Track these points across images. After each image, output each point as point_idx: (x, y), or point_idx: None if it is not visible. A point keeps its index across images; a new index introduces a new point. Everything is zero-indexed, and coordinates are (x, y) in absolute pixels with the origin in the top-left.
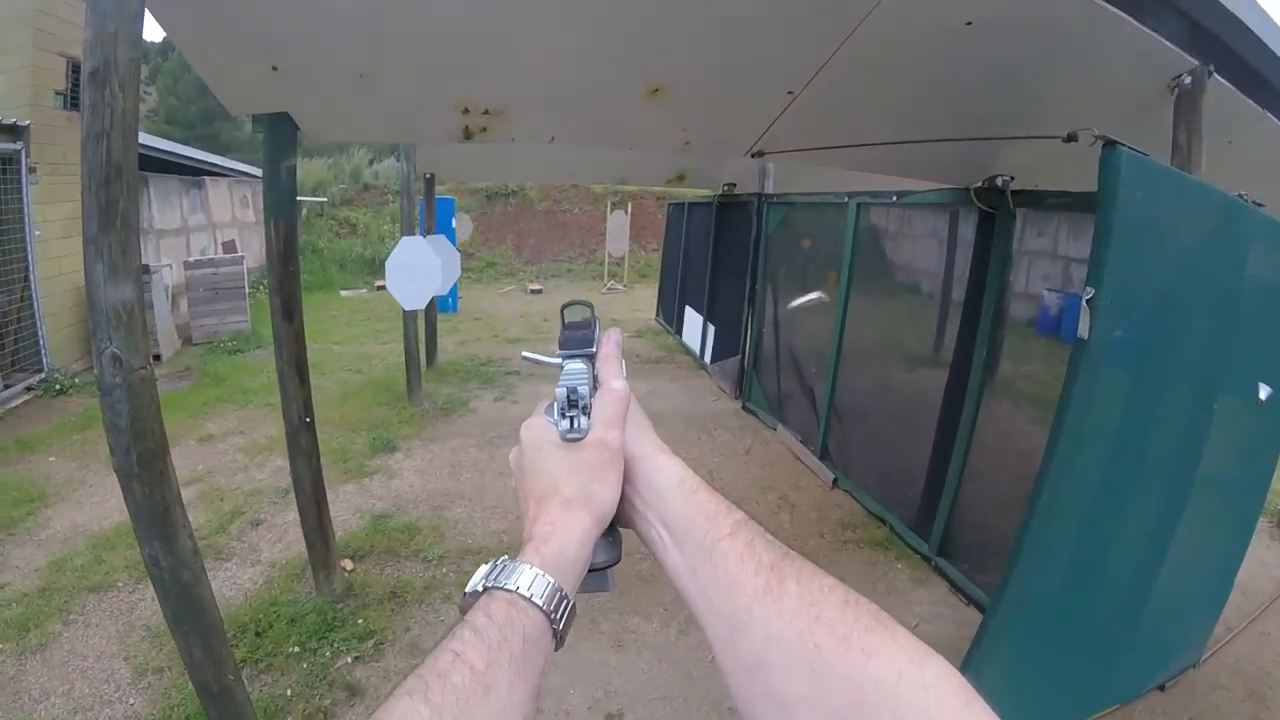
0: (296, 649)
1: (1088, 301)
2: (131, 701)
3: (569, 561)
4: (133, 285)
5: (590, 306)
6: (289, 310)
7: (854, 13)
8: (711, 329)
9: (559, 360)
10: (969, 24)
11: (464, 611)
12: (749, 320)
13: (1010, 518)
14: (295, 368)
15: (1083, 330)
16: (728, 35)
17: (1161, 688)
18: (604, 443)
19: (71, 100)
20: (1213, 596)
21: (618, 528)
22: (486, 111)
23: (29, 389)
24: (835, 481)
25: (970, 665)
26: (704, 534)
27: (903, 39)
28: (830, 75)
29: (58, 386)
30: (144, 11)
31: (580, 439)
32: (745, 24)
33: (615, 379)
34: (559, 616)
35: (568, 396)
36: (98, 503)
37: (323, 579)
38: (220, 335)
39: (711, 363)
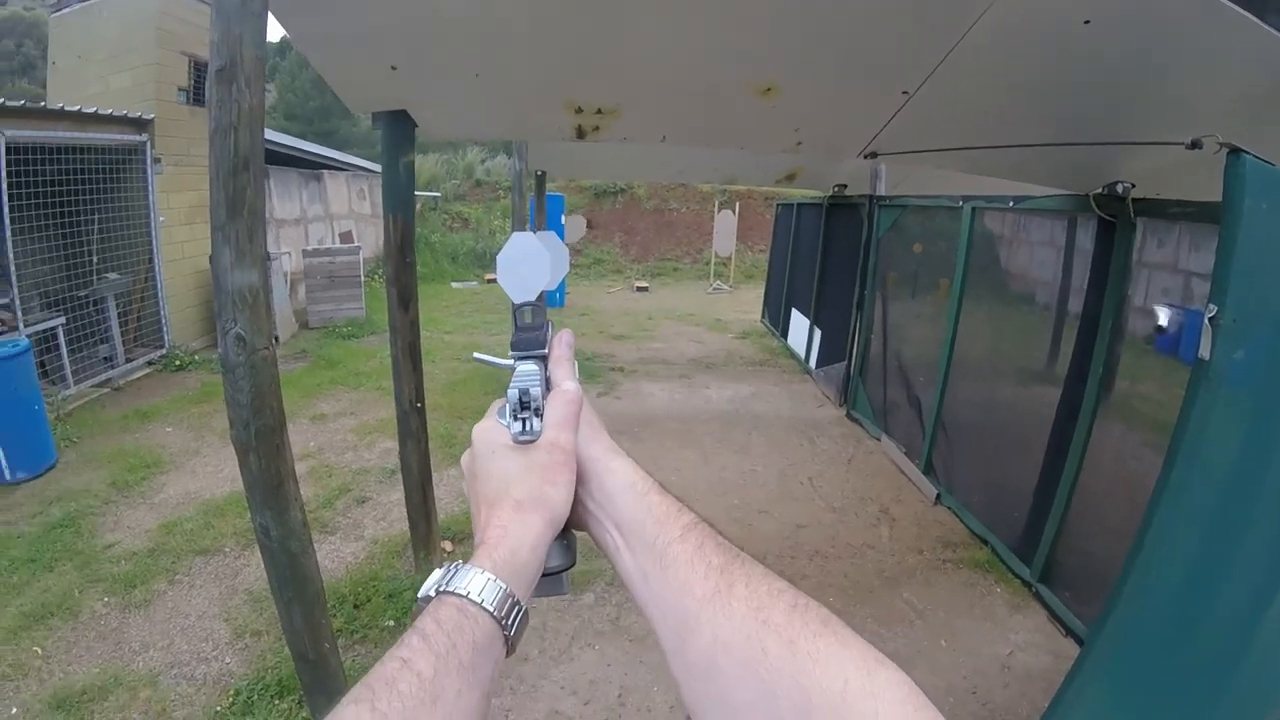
0: (392, 623)
1: (1210, 320)
2: (227, 660)
3: (521, 565)
4: (258, 271)
5: (543, 308)
6: (405, 299)
7: (970, 10)
8: (818, 333)
9: (511, 362)
10: (1087, 22)
11: (414, 617)
12: (857, 326)
13: (1119, 547)
14: (409, 354)
15: (1204, 350)
16: (841, 33)
17: None
18: (556, 444)
19: (194, 95)
20: None
21: (572, 531)
22: (599, 111)
23: (150, 363)
24: (938, 498)
25: (1061, 701)
26: (654, 537)
27: (1019, 37)
28: (945, 75)
29: (177, 362)
30: (267, 12)
31: (532, 441)
32: (859, 22)
33: (567, 380)
34: (510, 623)
35: (519, 398)
36: (210, 472)
37: (422, 558)
38: (335, 321)
39: (816, 368)
